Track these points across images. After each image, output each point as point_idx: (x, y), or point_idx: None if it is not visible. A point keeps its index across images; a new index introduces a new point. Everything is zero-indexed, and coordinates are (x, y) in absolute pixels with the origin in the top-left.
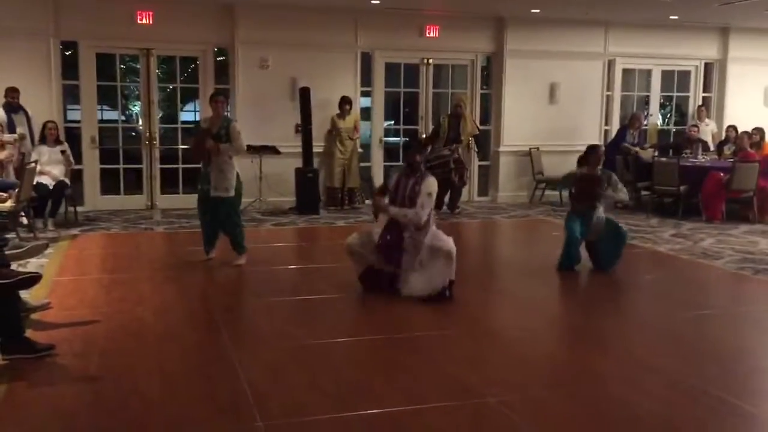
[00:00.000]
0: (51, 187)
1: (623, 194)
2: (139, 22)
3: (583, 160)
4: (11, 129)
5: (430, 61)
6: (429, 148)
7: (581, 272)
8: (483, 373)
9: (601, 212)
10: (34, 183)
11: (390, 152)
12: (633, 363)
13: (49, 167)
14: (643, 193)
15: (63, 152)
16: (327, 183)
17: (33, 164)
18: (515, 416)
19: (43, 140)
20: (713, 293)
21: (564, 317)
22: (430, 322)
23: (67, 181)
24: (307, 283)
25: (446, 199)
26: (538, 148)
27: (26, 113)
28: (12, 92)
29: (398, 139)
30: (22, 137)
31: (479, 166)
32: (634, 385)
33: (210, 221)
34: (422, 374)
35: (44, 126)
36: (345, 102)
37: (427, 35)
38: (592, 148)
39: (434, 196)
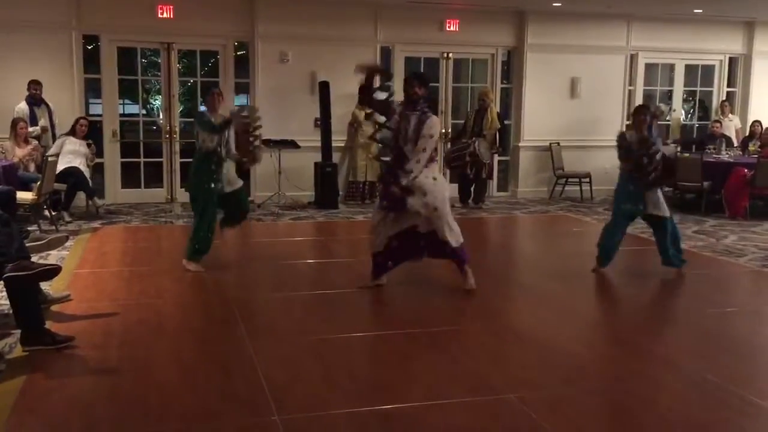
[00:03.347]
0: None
1: None
2: (160, 16)
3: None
4: (33, 122)
5: (450, 55)
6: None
7: (602, 269)
8: (502, 370)
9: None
10: (62, 170)
11: None
12: (657, 361)
13: (71, 157)
14: (666, 188)
15: (89, 145)
16: (350, 177)
17: (54, 158)
18: (535, 413)
19: (72, 132)
20: (737, 291)
21: (585, 313)
22: (448, 318)
23: (86, 173)
24: (325, 278)
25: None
26: (558, 143)
27: (48, 107)
28: (35, 85)
29: None
30: (44, 130)
31: (499, 161)
32: (657, 383)
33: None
34: (440, 370)
35: (77, 121)
36: None
37: (448, 29)
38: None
39: (435, 138)
